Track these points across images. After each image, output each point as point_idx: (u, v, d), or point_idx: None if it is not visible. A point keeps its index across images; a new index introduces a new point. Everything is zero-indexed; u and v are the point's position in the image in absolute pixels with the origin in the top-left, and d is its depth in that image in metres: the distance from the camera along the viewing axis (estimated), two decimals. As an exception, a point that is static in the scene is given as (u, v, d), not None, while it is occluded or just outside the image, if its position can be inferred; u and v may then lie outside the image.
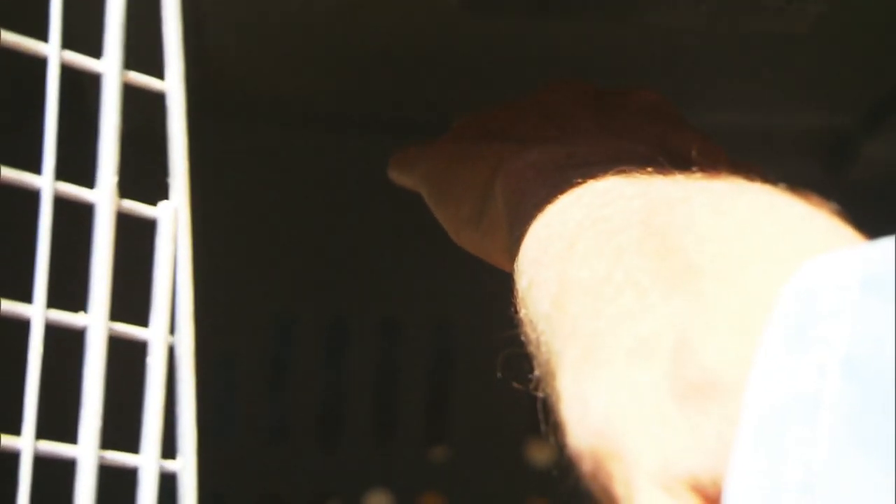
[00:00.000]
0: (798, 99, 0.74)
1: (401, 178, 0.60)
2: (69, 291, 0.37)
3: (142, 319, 0.36)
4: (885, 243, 0.31)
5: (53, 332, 0.35)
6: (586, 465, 0.36)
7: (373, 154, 0.80)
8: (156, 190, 0.37)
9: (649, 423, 0.34)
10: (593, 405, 0.36)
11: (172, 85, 0.37)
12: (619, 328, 0.37)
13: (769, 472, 0.30)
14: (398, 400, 0.83)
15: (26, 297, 0.34)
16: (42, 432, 0.34)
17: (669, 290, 0.36)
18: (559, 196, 0.44)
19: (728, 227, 0.37)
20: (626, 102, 0.56)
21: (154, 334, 0.36)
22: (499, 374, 0.48)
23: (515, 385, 0.44)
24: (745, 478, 0.31)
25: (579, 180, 0.44)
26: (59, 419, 0.37)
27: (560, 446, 0.39)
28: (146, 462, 0.35)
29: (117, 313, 0.36)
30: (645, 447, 0.34)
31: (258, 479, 0.82)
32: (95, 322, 0.35)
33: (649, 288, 0.37)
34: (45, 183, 0.34)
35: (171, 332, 0.36)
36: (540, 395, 0.41)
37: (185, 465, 0.36)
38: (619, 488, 0.35)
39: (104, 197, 0.35)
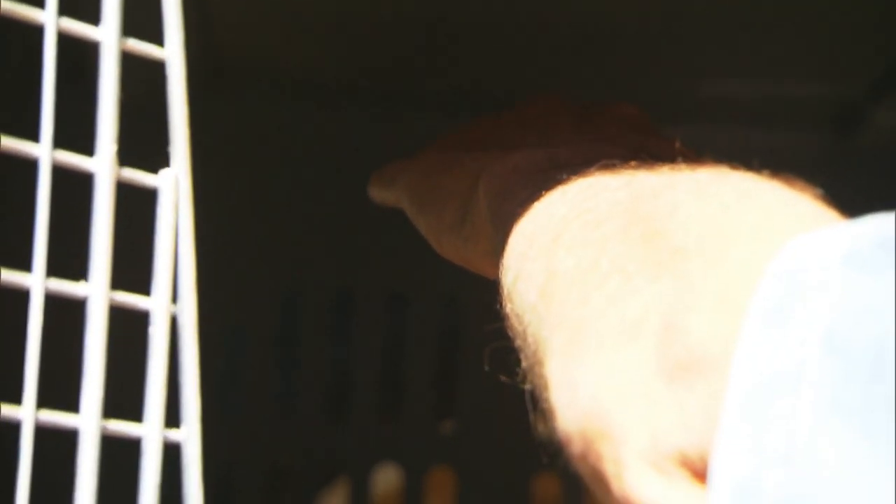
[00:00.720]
0: (806, 66, 0.74)
1: (381, 193, 0.60)
2: (70, 262, 0.37)
3: (144, 290, 0.36)
4: (868, 220, 0.32)
5: (54, 303, 0.34)
6: (576, 447, 0.37)
7: (381, 126, 0.80)
8: (157, 160, 0.37)
9: (637, 402, 0.34)
10: (581, 387, 0.36)
11: (172, 53, 0.36)
12: (606, 313, 0.37)
13: (753, 445, 0.30)
14: (406, 374, 0.83)
15: (26, 267, 0.34)
16: (44, 402, 0.34)
17: (655, 274, 0.36)
18: (543, 195, 0.44)
19: (712, 209, 0.37)
20: (605, 112, 0.57)
21: (156, 303, 0.36)
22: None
23: (503, 378, 0.44)
24: (730, 452, 0.31)
25: (563, 179, 0.44)
26: (62, 390, 0.37)
27: (548, 433, 0.39)
28: (149, 432, 0.35)
29: (119, 284, 0.35)
30: (633, 425, 0.34)
31: (266, 452, 0.82)
32: (96, 291, 0.34)
33: (635, 273, 0.37)
34: (43, 152, 0.34)
35: (173, 301, 0.36)
36: (528, 386, 0.42)
37: (189, 435, 0.36)
38: (608, 467, 0.35)
39: (104, 165, 0.34)
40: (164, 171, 0.36)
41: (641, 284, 0.36)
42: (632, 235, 0.38)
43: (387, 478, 0.86)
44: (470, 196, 0.52)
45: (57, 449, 0.35)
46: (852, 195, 0.37)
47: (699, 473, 0.33)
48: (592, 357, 0.37)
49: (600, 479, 0.36)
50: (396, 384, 0.83)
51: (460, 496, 0.83)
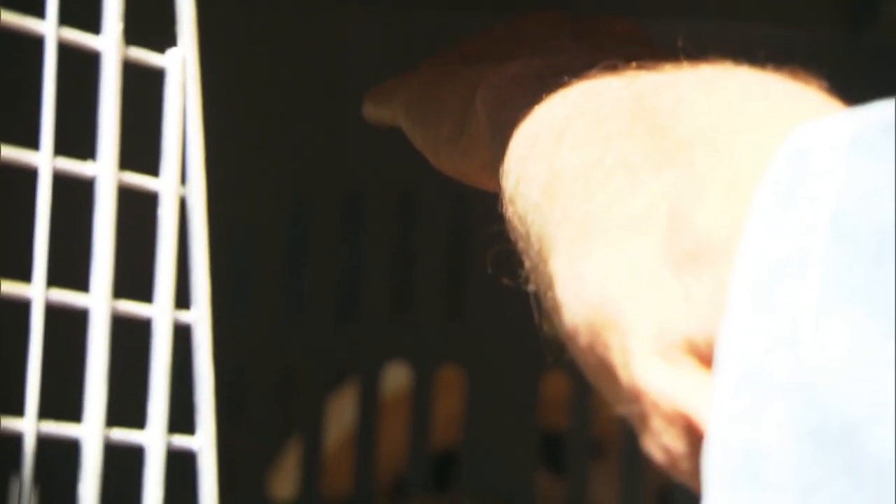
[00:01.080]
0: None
1: (377, 112, 0.60)
2: (77, 144, 0.37)
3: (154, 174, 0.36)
4: (875, 106, 0.32)
5: (61, 183, 0.34)
6: (582, 340, 0.37)
7: (391, 28, 0.79)
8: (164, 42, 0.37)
9: (644, 292, 0.34)
10: (588, 280, 0.36)
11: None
12: (612, 207, 0.37)
13: (759, 329, 0.31)
14: (415, 273, 0.83)
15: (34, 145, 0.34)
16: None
17: (660, 166, 0.36)
18: (543, 99, 0.44)
19: (718, 103, 0.37)
20: (602, 27, 0.56)
21: (165, 185, 0.35)
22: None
23: (507, 281, 0.44)
24: (736, 336, 0.31)
25: (563, 83, 0.44)
26: (70, 273, 0.37)
27: (553, 332, 0.40)
28: (159, 312, 0.35)
29: (128, 167, 0.35)
30: (640, 315, 0.34)
31: (277, 354, 0.82)
32: (104, 171, 0.34)
33: (641, 167, 0.37)
34: (49, 29, 0.33)
35: (182, 183, 0.36)
36: (531, 288, 0.42)
37: (199, 317, 0.36)
38: (615, 357, 0.35)
39: (110, 44, 0.34)
40: (171, 51, 0.35)
41: (647, 178, 0.36)
42: (636, 131, 0.38)
43: (396, 377, 0.86)
44: (467, 108, 0.52)
45: (70, 333, 0.35)
46: (864, 91, 0.37)
47: (706, 360, 0.33)
48: (599, 250, 0.36)
49: (607, 371, 0.36)
50: (406, 284, 0.83)
51: (469, 395, 0.83)
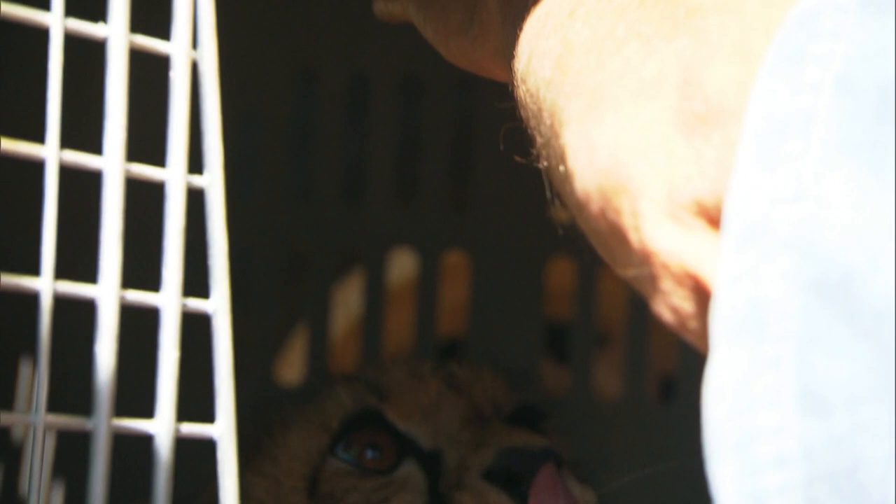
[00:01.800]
0: None
1: (388, 6, 0.59)
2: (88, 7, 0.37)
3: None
4: None
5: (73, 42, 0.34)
6: (594, 206, 0.37)
7: None
8: None
9: (655, 156, 0.35)
10: (600, 146, 0.37)
11: None
12: (624, 76, 0.37)
13: (765, 185, 0.31)
14: (421, 158, 0.83)
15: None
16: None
17: (672, 34, 0.36)
18: None
19: None
20: None
21: (177, 48, 0.35)
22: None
23: (518, 159, 0.44)
24: (743, 193, 0.32)
25: None
26: (84, 136, 0.37)
27: (561, 209, 0.40)
28: (173, 176, 0.35)
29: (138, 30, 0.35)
30: (651, 178, 0.35)
31: (283, 238, 0.82)
32: (116, 34, 0.34)
33: (652, 35, 0.37)
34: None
35: (193, 46, 0.36)
36: (542, 164, 0.42)
37: (213, 181, 0.36)
38: (626, 220, 0.36)
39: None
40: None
41: (659, 45, 0.37)
42: (648, 2, 0.38)
43: (402, 263, 0.86)
44: None
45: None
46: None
47: (714, 221, 0.34)
48: (610, 118, 0.37)
49: (618, 235, 0.37)
50: (412, 168, 0.83)
51: (474, 283, 0.83)
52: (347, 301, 0.88)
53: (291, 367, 0.87)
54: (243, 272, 0.82)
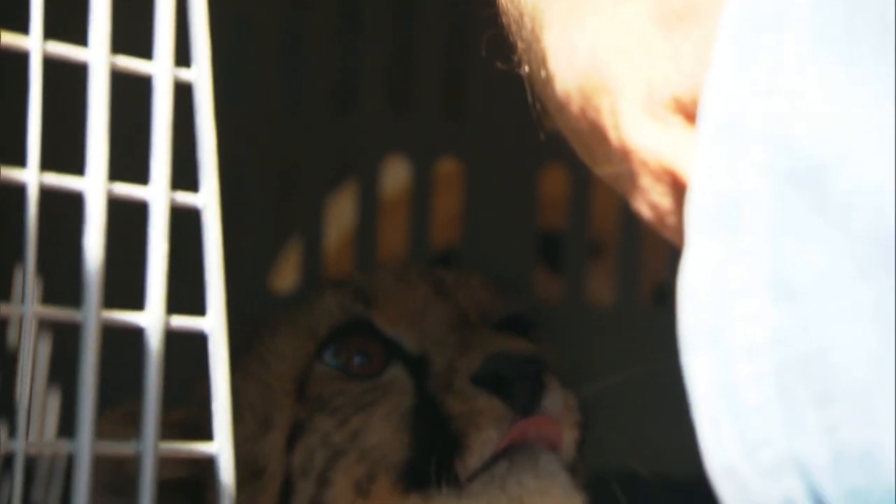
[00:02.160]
0: None
1: None
2: None
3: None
4: None
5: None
6: (574, 107, 0.38)
7: None
8: None
9: (634, 54, 0.35)
10: (580, 47, 0.37)
11: None
12: None
13: (740, 80, 0.32)
14: (414, 67, 0.83)
15: None
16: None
17: None
18: None
19: None
20: None
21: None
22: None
23: (500, 65, 0.44)
24: (719, 88, 0.32)
25: None
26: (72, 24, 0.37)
27: (542, 115, 0.40)
28: (160, 70, 0.35)
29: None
30: (630, 76, 0.35)
31: (276, 150, 0.82)
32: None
33: None
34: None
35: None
36: (524, 69, 0.42)
37: (200, 75, 0.36)
38: (606, 119, 0.36)
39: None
40: None
41: None
42: None
43: (395, 173, 0.86)
44: None
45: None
46: None
47: (692, 117, 0.34)
48: (590, 19, 0.37)
49: (598, 134, 0.37)
50: (405, 77, 0.83)
51: (468, 193, 0.83)
52: (341, 212, 0.88)
53: (286, 278, 0.87)
54: (237, 184, 0.82)
